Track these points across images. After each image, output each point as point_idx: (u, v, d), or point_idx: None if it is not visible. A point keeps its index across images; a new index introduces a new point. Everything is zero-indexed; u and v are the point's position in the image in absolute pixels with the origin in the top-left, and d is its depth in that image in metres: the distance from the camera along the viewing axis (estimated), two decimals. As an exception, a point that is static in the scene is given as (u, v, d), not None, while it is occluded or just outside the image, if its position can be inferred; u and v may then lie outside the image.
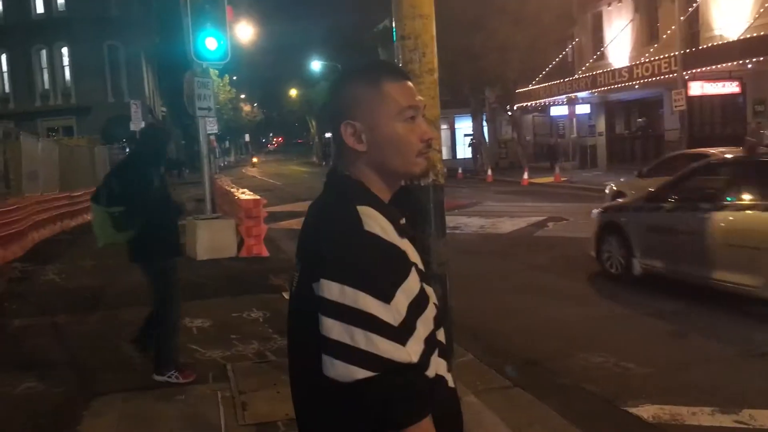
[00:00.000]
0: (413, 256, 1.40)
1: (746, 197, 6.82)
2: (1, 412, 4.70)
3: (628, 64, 25.45)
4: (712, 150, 9.27)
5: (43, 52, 38.06)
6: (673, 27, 22.17)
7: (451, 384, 1.47)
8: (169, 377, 5.01)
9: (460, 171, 32.17)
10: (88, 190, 19.34)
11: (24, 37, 36.99)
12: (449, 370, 1.49)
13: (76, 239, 14.45)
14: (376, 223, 1.33)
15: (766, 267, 6.18)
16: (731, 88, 22.31)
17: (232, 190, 14.62)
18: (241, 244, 10.87)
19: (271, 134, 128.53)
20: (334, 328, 1.27)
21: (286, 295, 7.44)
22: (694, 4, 23.14)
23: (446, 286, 2.77)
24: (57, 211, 15.59)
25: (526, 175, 25.90)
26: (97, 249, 12.65)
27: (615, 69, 25.86)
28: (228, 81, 53.83)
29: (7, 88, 38.23)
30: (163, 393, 4.82)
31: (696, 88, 22.07)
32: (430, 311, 1.38)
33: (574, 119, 31.54)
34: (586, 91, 27.73)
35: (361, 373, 1.25)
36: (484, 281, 8.71)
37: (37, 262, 11.24)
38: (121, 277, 9.70)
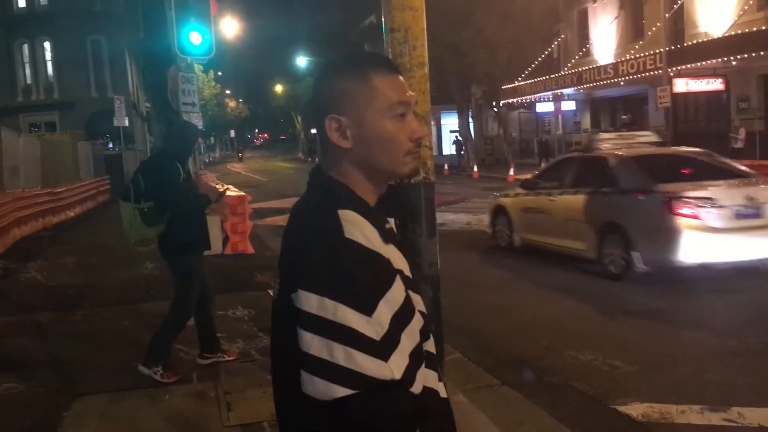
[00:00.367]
0: (399, 262, 1.30)
1: (577, 184, 9.00)
2: (-21, 414, 4.60)
3: (614, 61, 25.56)
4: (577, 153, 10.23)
5: (25, 47, 37.53)
6: (658, 24, 22.30)
7: (443, 394, 1.39)
8: (154, 372, 4.93)
9: (446, 167, 32.17)
10: (71, 186, 19.19)
11: (5, 31, 36.49)
12: (441, 380, 1.41)
13: (58, 236, 14.28)
14: (357, 229, 1.23)
15: (587, 235, 8.48)
16: (716, 85, 22.46)
17: (217, 186, 14.49)
18: (226, 241, 10.77)
19: (256, 130, 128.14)
20: (313, 343, 1.19)
21: (271, 293, 7.36)
22: (679, 2, 23.25)
23: (438, 287, 2.71)
24: (39, 207, 15.40)
25: (512, 171, 25.92)
26: (80, 246, 12.56)
27: (600, 66, 25.96)
28: (213, 76, 53.53)
29: (-12, 83, 37.72)
30: (146, 393, 4.74)
31: (681, 85, 22.20)
32: (416, 322, 1.28)
33: (560, 116, 31.62)
34: (572, 88, 27.81)
35: (341, 391, 1.16)
36: (472, 278, 8.68)
37: (18, 259, 11.08)
38: (104, 275, 9.61)
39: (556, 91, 28.90)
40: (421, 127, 1.41)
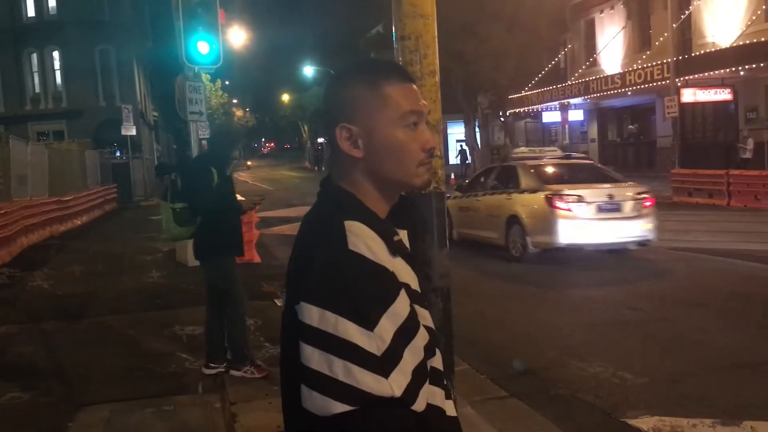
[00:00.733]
0: (406, 276, 1.26)
1: (495, 187, 11.24)
2: (-16, 424, 4.58)
3: (621, 71, 25.52)
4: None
5: (34, 56, 37.75)
6: (665, 34, 22.26)
7: (450, 413, 1.34)
8: (245, 372, 5.05)
9: (452, 177, 32.15)
10: (78, 195, 19.25)
11: (15, 40, 36.72)
12: (450, 397, 1.37)
13: (65, 244, 14.31)
14: (362, 241, 1.20)
15: (499, 226, 10.64)
16: (723, 95, 22.39)
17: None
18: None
19: (263, 139, 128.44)
20: (313, 357, 1.16)
21: (278, 302, 7.34)
22: (687, 12, 23.23)
23: (448, 298, 2.66)
24: (46, 216, 15.44)
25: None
26: (86, 255, 12.58)
27: (607, 75, 25.94)
28: (220, 86, 53.69)
29: (-3, 92, 37.95)
30: (151, 403, 4.70)
31: (688, 95, 22.14)
32: (421, 338, 1.24)
33: (567, 125, 31.57)
34: (579, 98, 27.79)
35: (339, 407, 1.13)
36: (479, 288, 8.63)
37: (24, 267, 11.09)
38: (110, 284, 9.60)
39: (563, 101, 28.88)
40: (433, 136, 1.37)
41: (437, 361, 1.32)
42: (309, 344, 1.16)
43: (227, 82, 59.27)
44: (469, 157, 35.36)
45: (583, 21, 30.71)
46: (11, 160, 13.80)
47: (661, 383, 5.02)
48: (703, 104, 23.42)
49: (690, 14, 23.38)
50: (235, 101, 72.29)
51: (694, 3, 23.30)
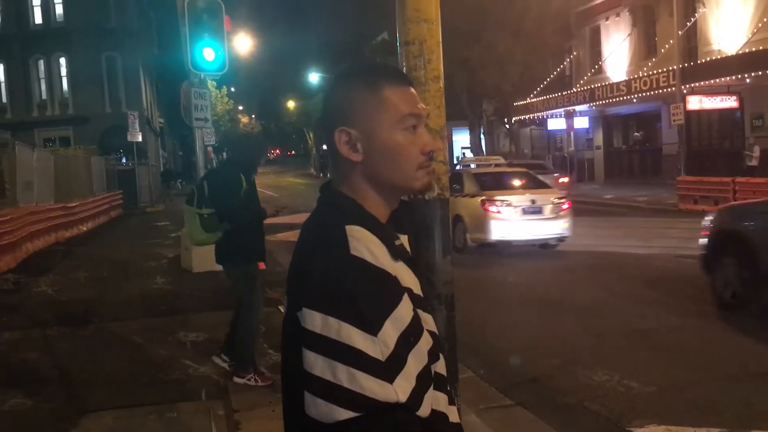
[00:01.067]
0: (408, 280, 1.25)
1: (455, 191, 11.99)
2: (-13, 430, 4.57)
3: (626, 78, 25.49)
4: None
5: (41, 63, 37.98)
6: (671, 41, 22.25)
7: (454, 419, 1.33)
8: (248, 380, 5.05)
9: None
10: (83, 201, 19.29)
11: (22, 47, 36.96)
12: (453, 403, 1.35)
13: (70, 250, 14.33)
14: (364, 245, 1.19)
15: (460, 229, 11.98)
16: (729, 102, 22.33)
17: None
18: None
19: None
20: (317, 363, 1.14)
21: (282, 309, 7.32)
22: (693, 19, 23.21)
23: (452, 305, 2.64)
24: (51, 221, 15.46)
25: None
26: (91, 261, 12.59)
27: (613, 83, 25.91)
28: (226, 92, 53.90)
29: (4, 98, 38.09)
30: (154, 411, 4.69)
31: (694, 103, 22.09)
32: (425, 343, 1.23)
33: (572, 133, 31.53)
34: (584, 105, 27.76)
35: (344, 414, 1.12)
36: (484, 295, 8.60)
37: (30, 273, 11.11)
38: (115, 290, 9.61)
39: (568, 108, 28.85)
40: (433, 140, 1.36)
41: (441, 367, 1.31)
42: (312, 351, 1.15)
43: (233, 89, 59.52)
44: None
45: (589, 28, 30.71)
46: (17, 166, 13.84)
47: (668, 392, 4.98)
48: (709, 112, 23.36)
49: (696, 21, 23.36)
50: (240, 108, 72.51)
51: (700, 10, 23.28)
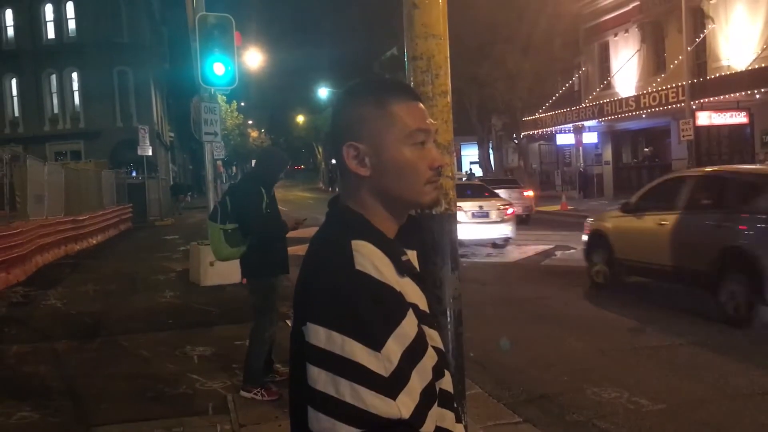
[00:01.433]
0: (413, 296, 1.25)
1: None
2: (-6, 443, 4.57)
3: (635, 94, 25.47)
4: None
5: (53, 77, 38.36)
6: (680, 57, 22.24)
7: None
8: (255, 394, 5.05)
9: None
10: (93, 214, 19.38)
11: (35, 62, 37.37)
12: (461, 420, 1.34)
13: (79, 263, 14.38)
14: (369, 260, 1.19)
15: None
16: (739, 118, 22.27)
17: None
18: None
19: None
20: (320, 378, 1.14)
21: (289, 323, 7.31)
22: (702, 35, 23.21)
23: (460, 321, 2.63)
24: (61, 235, 15.54)
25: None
26: (100, 274, 12.64)
27: (622, 98, 25.89)
28: (236, 107, 54.22)
29: (16, 112, 38.50)
30: (160, 425, 4.68)
31: (704, 118, 22.04)
32: (429, 359, 1.23)
33: (581, 148, 31.48)
34: (593, 120, 27.74)
35: (346, 429, 1.11)
36: (492, 311, 8.55)
37: (39, 286, 11.15)
38: (123, 303, 9.62)
39: (577, 123, 28.84)
40: (441, 155, 1.36)
41: (447, 383, 1.30)
42: (315, 365, 1.15)
43: (243, 104, 59.86)
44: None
45: (597, 44, 30.76)
46: (28, 179, 13.94)
47: (679, 410, 4.92)
48: (719, 127, 23.30)
49: (705, 37, 23.35)
50: (250, 122, 72.87)
51: (709, 26, 23.28)
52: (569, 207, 25.24)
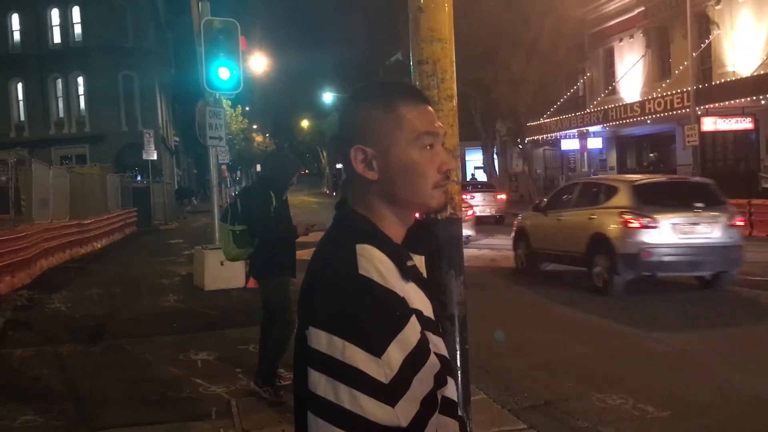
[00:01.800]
0: (418, 302, 1.23)
1: None
2: (-3, 446, 4.56)
3: (640, 99, 25.43)
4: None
5: (59, 81, 38.51)
6: (685, 63, 22.19)
7: None
8: (264, 391, 5.11)
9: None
10: (98, 218, 19.42)
11: (41, 66, 37.53)
12: (464, 429, 1.32)
13: (84, 267, 14.40)
14: (372, 265, 1.17)
15: None
16: (744, 124, 22.18)
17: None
18: (249, 274, 10.75)
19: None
20: (320, 383, 1.13)
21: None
22: (707, 41, 23.17)
23: (465, 326, 2.61)
24: (66, 238, 15.57)
25: (537, 209, 25.88)
26: (105, 278, 12.66)
27: (627, 104, 25.85)
28: (240, 111, 54.30)
29: (22, 116, 38.66)
30: (164, 429, 4.67)
31: (709, 124, 21.96)
32: (431, 367, 1.20)
33: (586, 153, 31.41)
34: (598, 126, 27.68)
35: None
36: (497, 315, 8.53)
37: (44, 290, 11.17)
38: (127, 307, 9.63)
39: (581, 129, 28.79)
40: (449, 159, 1.35)
41: (450, 391, 1.28)
42: (316, 370, 1.14)
43: (247, 108, 59.94)
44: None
45: (602, 49, 30.73)
46: (33, 183, 13.98)
47: (685, 416, 4.90)
48: (724, 133, 23.22)
49: (710, 43, 23.30)
50: (255, 127, 72.96)
51: (714, 32, 23.24)
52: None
